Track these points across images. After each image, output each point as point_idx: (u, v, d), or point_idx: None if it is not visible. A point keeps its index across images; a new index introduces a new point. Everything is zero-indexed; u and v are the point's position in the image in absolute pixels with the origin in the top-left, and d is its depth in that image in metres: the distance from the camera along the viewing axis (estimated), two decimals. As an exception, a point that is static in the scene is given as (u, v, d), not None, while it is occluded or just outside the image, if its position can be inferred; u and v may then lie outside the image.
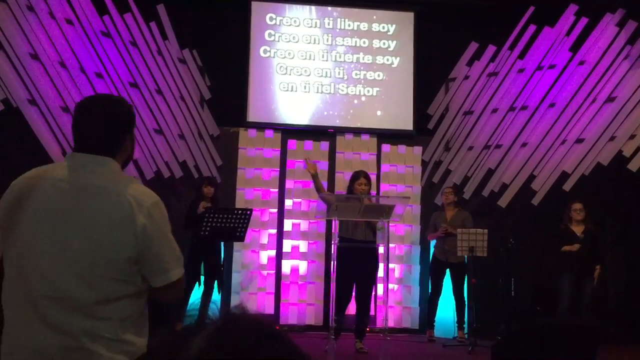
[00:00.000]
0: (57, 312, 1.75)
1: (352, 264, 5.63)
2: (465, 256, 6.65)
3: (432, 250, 7.30)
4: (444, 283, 7.05)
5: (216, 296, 6.36)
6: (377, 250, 5.85)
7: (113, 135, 1.90)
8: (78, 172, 1.84)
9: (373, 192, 6.60)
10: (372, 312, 7.35)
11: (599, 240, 6.51)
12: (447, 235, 6.83)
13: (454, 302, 7.00)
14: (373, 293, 7.37)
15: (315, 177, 5.83)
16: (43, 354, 1.74)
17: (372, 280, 5.94)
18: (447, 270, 6.99)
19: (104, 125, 1.88)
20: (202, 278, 6.23)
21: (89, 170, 1.85)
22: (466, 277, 6.80)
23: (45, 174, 1.87)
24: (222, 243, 6.43)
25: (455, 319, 7.00)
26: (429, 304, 7.11)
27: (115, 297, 1.78)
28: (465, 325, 6.86)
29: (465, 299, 6.86)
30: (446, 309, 7.12)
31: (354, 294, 5.94)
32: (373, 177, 7.77)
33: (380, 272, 5.90)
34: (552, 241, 6.68)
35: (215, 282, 6.25)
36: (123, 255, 1.78)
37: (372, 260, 5.84)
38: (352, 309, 6.13)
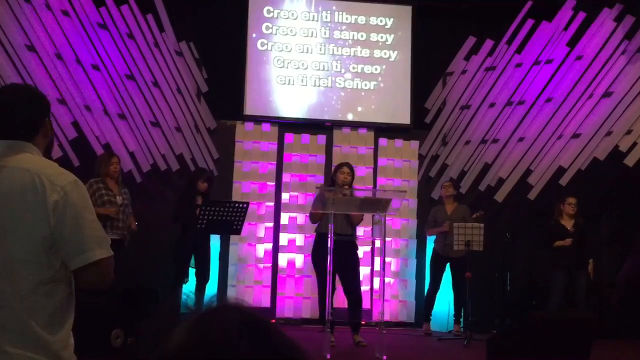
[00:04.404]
0: None
1: (333, 256, 5.66)
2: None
3: (430, 244, 7.29)
4: (443, 278, 7.05)
5: (210, 290, 6.31)
6: (356, 244, 5.96)
7: (30, 120, 1.90)
8: None
9: (357, 185, 6.56)
10: (368, 306, 7.40)
11: (588, 234, 6.52)
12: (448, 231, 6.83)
13: (451, 296, 7.02)
14: (369, 287, 7.42)
15: None
16: None
17: (356, 272, 5.96)
18: (447, 265, 6.99)
19: (21, 110, 1.89)
20: (194, 271, 6.16)
21: (7, 154, 1.84)
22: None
23: None
24: (210, 237, 6.35)
25: (453, 313, 7.01)
26: (427, 298, 7.10)
27: (30, 285, 1.74)
28: (461, 319, 6.87)
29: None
30: (441, 303, 7.13)
31: (341, 287, 6.00)
32: (369, 171, 7.81)
33: (377, 266, 5.92)
34: (544, 237, 6.70)
35: (204, 275, 6.16)
36: (36, 234, 1.75)
37: (353, 254, 5.90)
38: (344, 302, 6.14)
